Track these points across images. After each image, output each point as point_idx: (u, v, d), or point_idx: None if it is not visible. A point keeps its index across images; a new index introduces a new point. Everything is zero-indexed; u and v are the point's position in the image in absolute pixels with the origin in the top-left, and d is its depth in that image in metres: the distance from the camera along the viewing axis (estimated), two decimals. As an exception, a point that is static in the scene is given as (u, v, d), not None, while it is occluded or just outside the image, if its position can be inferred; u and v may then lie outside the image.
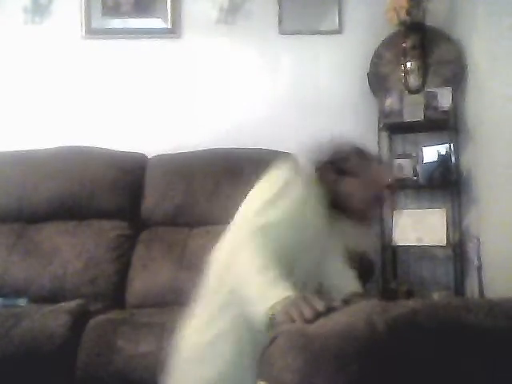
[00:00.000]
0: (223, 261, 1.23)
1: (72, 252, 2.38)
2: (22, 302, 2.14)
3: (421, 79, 2.78)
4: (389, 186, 1.50)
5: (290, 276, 1.08)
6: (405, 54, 2.80)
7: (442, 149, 2.72)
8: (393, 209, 1.46)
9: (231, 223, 1.31)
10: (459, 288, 2.70)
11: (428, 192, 2.86)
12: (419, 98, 2.74)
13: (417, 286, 2.75)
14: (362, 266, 2.19)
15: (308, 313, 0.91)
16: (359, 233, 1.48)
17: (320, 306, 0.93)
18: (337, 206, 1.37)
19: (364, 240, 1.57)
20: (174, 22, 2.96)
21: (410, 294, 2.64)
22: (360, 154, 1.47)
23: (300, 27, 2.95)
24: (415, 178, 2.77)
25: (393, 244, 2.78)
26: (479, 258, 2.57)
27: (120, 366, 1.74)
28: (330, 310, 0.91)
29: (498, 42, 2.40)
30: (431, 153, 2.74)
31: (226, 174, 2.53)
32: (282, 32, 2.96)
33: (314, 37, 2.96)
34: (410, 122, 2.75)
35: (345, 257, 1.54)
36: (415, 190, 2.87)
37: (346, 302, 1.03)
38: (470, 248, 2.70)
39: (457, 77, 2.77)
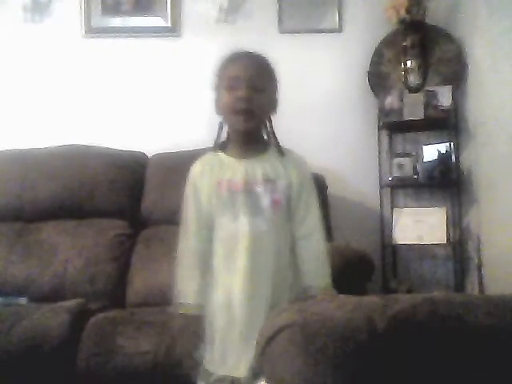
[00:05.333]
0: None
1: (72, 251, 2.38)
2: (22, 300, 2.14)
3: (421, 78, 2.78)
4: (237, 83, 1.36)
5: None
6: (405, 53, 2.80)
7: (442, 147, 2.72)
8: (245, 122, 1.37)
9: None
10: (459, 287, 2.70)
11: (428, 191, 2.86)
12: (419, 97, 2.73)
13: (417, 284, 2.75)
14: (362, 266, 2.19)
15: None
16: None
17: None
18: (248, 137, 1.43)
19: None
20: (173, 21, 2.96)
21: (410, 293, 2.64)
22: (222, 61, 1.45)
23: (300, 26, 2.95)
24: (415, 176, 2.76)
25: (393, 243, 2.78)
26: (479, 257, 2.57)
27: (120, 365, 1.74)
28: None
29: (499, 41, 2.40)
30: (431, 151, 2.74)
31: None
32: (282, 31, 2.96)
33: (313, 35, 2.96)
34: (410, 121, 2.74)
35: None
36: (415, 188, 2.87)
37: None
38: (471, 246, 2.70)
39: (457, 75, 2.77)
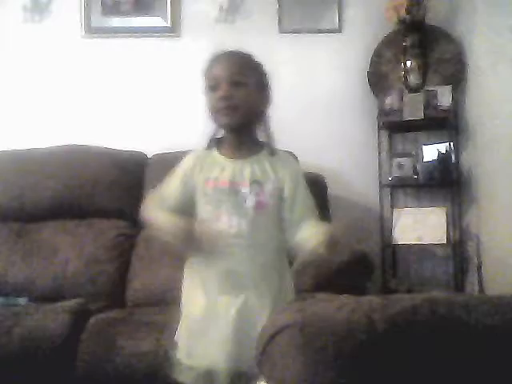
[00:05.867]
0: None
1: (72, 251, 2.38)
2: (23, 301, 2.14)
3: (421, 78, 2.78)
4: (217, 81, 1.40)
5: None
6: (405, 53, 2.80)
7: (442, 147, 2.72)
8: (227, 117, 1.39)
9: None
10: (459, 287, 2.70)
11: (428, 191, 2.86)
12: (419, 97, 2.73)
13: (417, 284, 2.75)
14: (362, 266, 2.19)
15: None
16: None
17: None
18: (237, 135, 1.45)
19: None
20: (173, 21, 2.96)
21: (410, 293, 2.64)
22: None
23: (300, 26, 2.95)
24: (415, 176, 2.76)
25: (393, 243, 2.78)
26: (479, 257, 2.57)
27: (120, 365, 1.75)
28: None
29: (499, 41, 2.40)
30: (431, 151, 2.74)
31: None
32: (282, 31, 2.96)
33: (313, 35, 2.96)
34: (409, 121, 2.74)
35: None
36: (415, 188, 2.87)
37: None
38: (470, 247, 2.70)
39: (457, 75, 2.77)
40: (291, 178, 1.41)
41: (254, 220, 1.37)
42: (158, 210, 1.41)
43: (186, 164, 1.46)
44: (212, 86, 1.41)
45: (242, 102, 1.38)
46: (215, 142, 1.48)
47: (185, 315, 1.43)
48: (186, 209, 1.42)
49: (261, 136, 1.48)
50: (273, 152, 1.44)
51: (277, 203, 1.39)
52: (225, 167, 1.41)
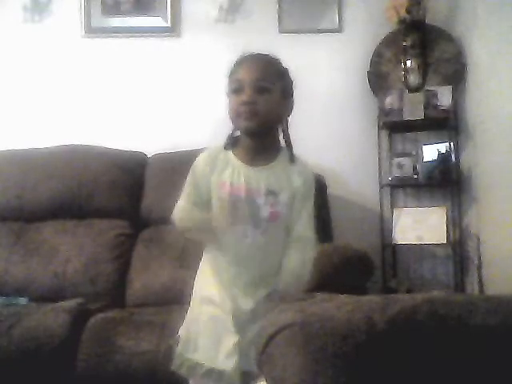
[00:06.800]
0: None
1: (72, 251, 2.38)
2: (22, 301, 2.15)
3: (421, 78, 2.78)
4: (240, 85, 1.37)
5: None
6: (405, 53, 2.80)
7: (442, 147, 2.72)
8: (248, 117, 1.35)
9: None
10: (459, 287, 2.70)
11: (428, 190, 2.86)
12: (419, 97, 2.73)
13: (417, 284, 2.75)
14: (362, 266, 2.19)
15: None
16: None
17: None
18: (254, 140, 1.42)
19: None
20: (173, 21, 2.96)
21: (410, 293, 2.64)
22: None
23: (300, 26, 2.95)
24: (415, 176, 2.77)
25: (393, 243, 2.78)
26: (479, 257, 2.57)
27: (120, 365, 1.75)
28: None
29: (499, 40, 2.40)
30: (431, 151, 2.74)
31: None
32: (282, 30, 2.96)
33: (313, 35, 2.96)
34: (410, 121, 2.74)
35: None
36: (415, 188, 2.87)
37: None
38: (470, 247, 2.70)
39: (457, 75, 2.77)
40: (304, 190, 1.41)
41: (268, 231, 1.38)
42: (185, 211, 1.46)
43: (197, 167, 1.44)
44: (235, 89, 1.38)
45: (264, 108, 1.35)
46: (232, 142, 1.45)
47: (193, 309, 1.44)
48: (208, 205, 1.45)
49: (279, 142, 1.46)
50: (292, 159, 1.43)
51: (289, 211, 1.40)
52: (240, 172, 1.39)
